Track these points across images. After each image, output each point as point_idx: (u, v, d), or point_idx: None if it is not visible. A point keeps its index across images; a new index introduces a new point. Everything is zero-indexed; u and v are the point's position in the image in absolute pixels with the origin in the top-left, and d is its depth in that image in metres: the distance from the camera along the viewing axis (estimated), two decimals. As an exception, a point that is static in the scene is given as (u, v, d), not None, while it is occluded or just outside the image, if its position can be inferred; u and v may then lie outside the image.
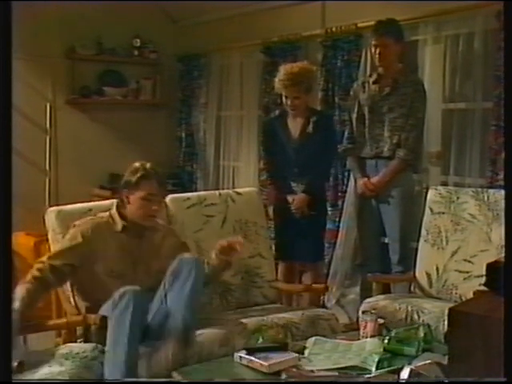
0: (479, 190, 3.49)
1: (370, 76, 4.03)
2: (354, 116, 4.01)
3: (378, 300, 3.36)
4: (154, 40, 6.05)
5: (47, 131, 5.57)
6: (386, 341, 2.55)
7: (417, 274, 3.55)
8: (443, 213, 3.52)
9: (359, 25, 4.36)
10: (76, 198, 3.35)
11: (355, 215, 4.18)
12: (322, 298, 4.31)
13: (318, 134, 3.88)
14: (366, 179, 3.93)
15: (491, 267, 2.19)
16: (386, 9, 4.04)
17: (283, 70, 3.89)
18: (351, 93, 4.11)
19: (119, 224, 2.93)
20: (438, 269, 3.47)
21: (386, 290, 3.55)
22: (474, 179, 3.90)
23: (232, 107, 5.70)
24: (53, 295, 3.18)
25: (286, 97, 3.88)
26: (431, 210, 3.57)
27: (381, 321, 2.79)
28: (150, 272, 2.91)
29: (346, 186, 4.45)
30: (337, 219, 4.52)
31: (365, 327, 2.74)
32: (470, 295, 2.95)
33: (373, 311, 3.00)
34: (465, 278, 3.36)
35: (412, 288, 3.61)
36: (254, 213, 3.58)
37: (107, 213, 2.99)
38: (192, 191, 5.17)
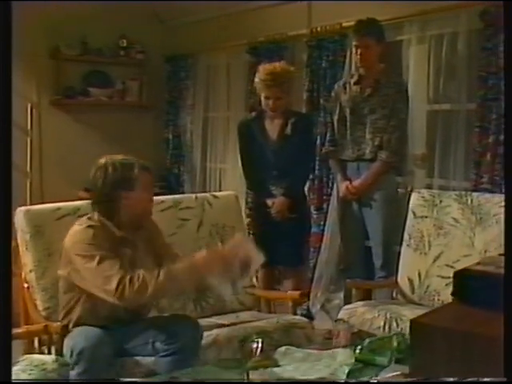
0: (462, 193, 3.41)
1: (352, 77, 3.95)
2: (336, 118, 3.93)
3: (357, 307, 3.26)
4: (140, 40, 5.97)
5: (28, 132, 5.49)
6: (357, 350, 2.46)
7: (399, 280, 3.45)
8: (426, 217, 3.43)
9: (344, 24, 4.30)
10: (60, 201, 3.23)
11: (338, 219, 4.10)
12: (306, 303, 4.22)
13: (297, 136, 3.76)
14: (347, 182, 3.85)
15: (459, 275, 2.09)
16: (371, 8, 3.97)
17: (264, 70, 3.77)
18: (332, 94, 4.03)
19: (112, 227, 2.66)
20: (420, 274, 3.37)
21: (367, 296, 3.45)
22: (458, 182, 3.82)
23: (219, 108, 5.64)
24: (21, 301, 3.09)
25: (267, 97, 3.76)
26: (414, 213, 3.48)
27: (354, 329, 2.69)
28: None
29: (331, 189, 4.36)
30: (322, 223, 4.43)
31: (337, 336, 2.65)
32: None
33: (348, 319, 2.91)
34: (447, 284, 3.23)
35: (394, 294, 3.52)
36: (232, 217, 3.48)
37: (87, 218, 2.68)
38: (179, 193, 5.10)
